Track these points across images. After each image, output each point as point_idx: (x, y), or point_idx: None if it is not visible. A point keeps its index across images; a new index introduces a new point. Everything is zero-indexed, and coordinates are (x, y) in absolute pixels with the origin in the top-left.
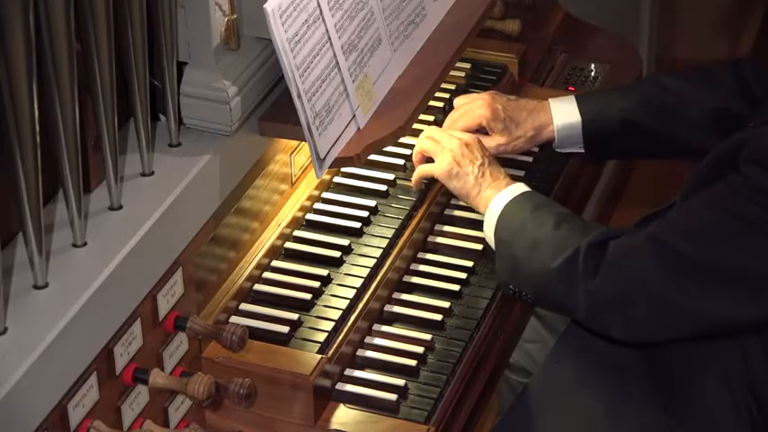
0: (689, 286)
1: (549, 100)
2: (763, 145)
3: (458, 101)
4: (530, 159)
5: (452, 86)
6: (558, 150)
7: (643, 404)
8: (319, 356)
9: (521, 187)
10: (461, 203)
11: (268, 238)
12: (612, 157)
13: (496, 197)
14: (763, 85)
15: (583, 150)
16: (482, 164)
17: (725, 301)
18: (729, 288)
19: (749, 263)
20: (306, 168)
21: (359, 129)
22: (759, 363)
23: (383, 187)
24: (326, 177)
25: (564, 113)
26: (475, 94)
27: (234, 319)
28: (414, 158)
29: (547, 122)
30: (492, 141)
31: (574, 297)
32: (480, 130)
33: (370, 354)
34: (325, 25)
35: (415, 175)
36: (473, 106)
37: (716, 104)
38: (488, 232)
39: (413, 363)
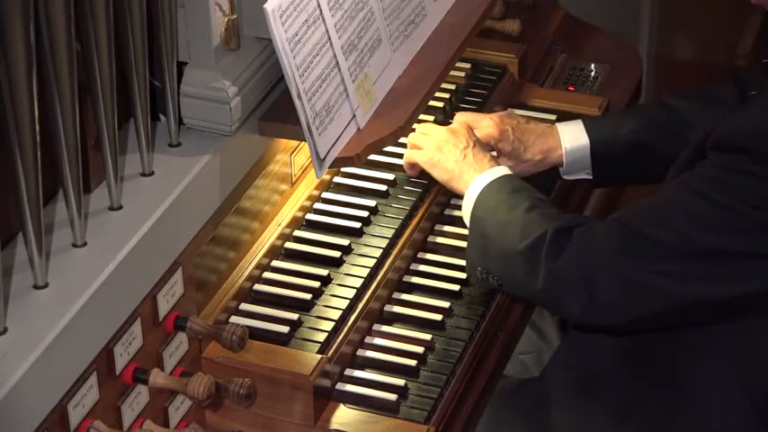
0: (654, 266)
1: (557, 124)
2: (723, 131)
3: (458, 117)
4: None
5: (452, 86)
6: (566, 177)
7: (640, 406)
8: (319, 356)
9: (502, 170)
10: (462, 203)
11: (268, 238)
12: (619, 181)
13: (477, 178)
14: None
15: (590, 177)
16: (466, 147)
17: (692, 278)
18: (697, 265)
19: (716, 240)
20: (306, 168)
21: (359, 129)
22: (760, 362)
23: (383, 187)
24: (326, 177)
25: (572, 137)
26: (482, 114)
27: (234, 319)
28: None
29: (555, 146)
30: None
31: (535, 277)
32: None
33: (370, 354)
34: (326, 25)
35: (404, 161)
36: (482, 123)
37: None
38: (466, 212)
39: (413, 363)
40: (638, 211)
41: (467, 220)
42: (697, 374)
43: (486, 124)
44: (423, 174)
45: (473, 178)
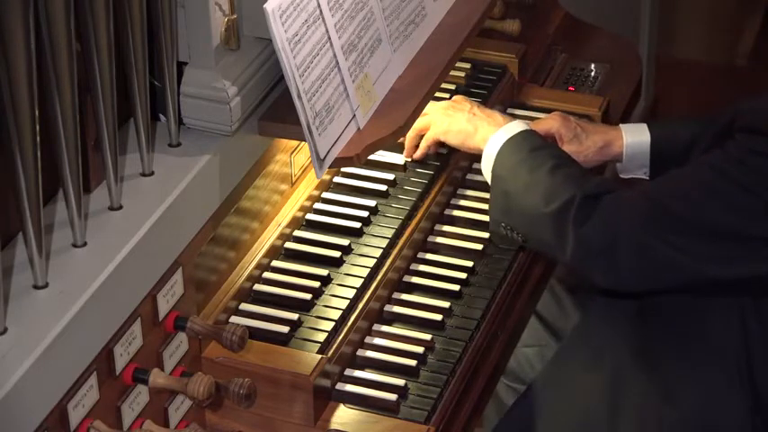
0: (674, 240)
1: (621, 125)
2: (752, 113)
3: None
4: None
5: (452, 86)
6: (623, 176)
7: (639, 397)
8: (319, 356)
9: (519, 125)
10: (461, 203)
11: (268, 238)
12: None
13: (495, 134)
14: None
15: (647, 177)
16: (471, 107)
17: (706, 256)
18: (712, 244)
19: (733, 221)
20: (306, 168)
21: (359, 129)
22: (757, 348)
23: (383, 187)
24: (326, 177)
25: (634, 132)
26: None
27: (234, 319)
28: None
29: (616, 137)
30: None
31: (563, 241)
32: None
33: (370, 354)
34: (326, 25)
35: (410, 133)
36: (543, 118)
37: None
38: (486, 169)
39: (413, 363)
40: (663, 183)
41: (488, 178)
42: (693, 374)
43: (548, 117)
44: (438, 150)
45: (490, 133)
